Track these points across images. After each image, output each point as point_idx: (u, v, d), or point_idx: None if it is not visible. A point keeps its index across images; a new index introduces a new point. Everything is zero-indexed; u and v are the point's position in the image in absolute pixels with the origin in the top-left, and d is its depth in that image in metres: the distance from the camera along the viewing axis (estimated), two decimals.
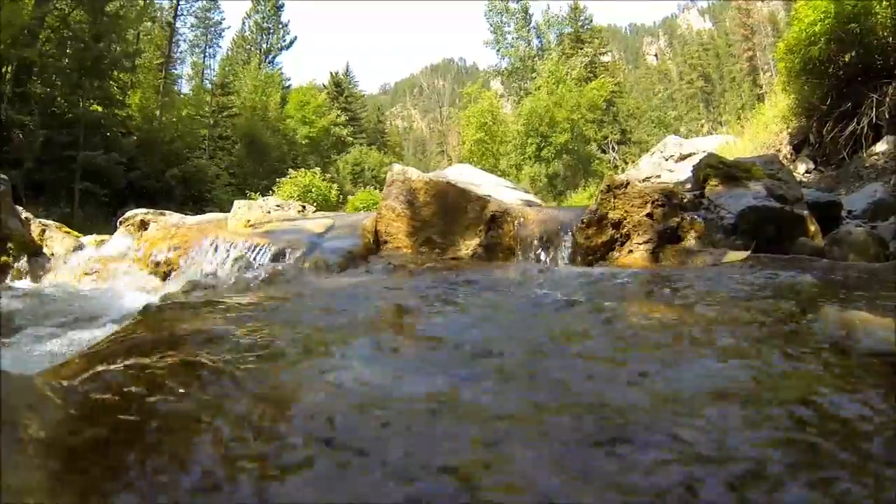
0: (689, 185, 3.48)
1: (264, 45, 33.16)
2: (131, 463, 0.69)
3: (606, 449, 0.67)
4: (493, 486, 0.60)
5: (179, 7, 26.78)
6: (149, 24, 23.23)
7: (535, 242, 3.03)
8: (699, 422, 0.75)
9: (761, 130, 10.16)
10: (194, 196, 17.14)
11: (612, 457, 0.65)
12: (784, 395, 0.84)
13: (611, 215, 2.80)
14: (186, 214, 5.33)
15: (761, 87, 38.34)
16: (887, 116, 7.35)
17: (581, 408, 0.82)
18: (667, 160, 12.15)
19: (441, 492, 0.59)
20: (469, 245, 3.17)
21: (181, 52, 29.50)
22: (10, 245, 3.94)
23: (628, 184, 2.86)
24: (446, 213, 3.29)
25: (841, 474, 0.62)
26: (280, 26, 33.66)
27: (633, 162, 17.37)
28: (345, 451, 0.69)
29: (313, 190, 15.52)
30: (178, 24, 26.98)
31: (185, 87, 28.25)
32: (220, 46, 32.16)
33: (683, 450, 0.67)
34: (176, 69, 27.63)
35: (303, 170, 16.92)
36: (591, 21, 32.46)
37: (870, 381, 0.89)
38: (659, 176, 11.01)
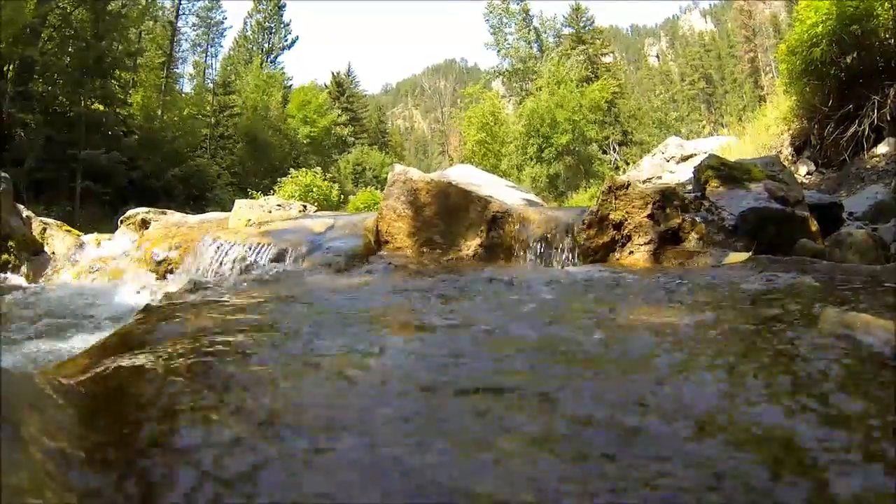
0: (690, 187, 3.48)
1: (266, 45, 33.13)
2: (132, 460, 0.69)
3: None
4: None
5: (181, 6, 26.80)
6: (150, 23, 23.26)
7: (536, 243, 3.02)
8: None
9: (762, 132, 10.13)
10: (195, 195, 17.15)
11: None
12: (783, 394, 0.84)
13: (612, 216, 2.79)
14: (187, 213, 5.34)
15: (763, 89, 38.29)
16: (888, 118, 7.33)
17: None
18: (668, 161, 12.15)
19: None
20: (470, 245, 3.16)
21: (183, 52, 29.44)
22: (11, 243, 3.94)
23: (629, 185, 2.86)
24: (448, 213, 3.28)
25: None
26: (282, 26, 33.64)
27: (635, 163, 17.36)
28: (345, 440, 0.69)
29: (314, 190, 15.52)
30: (179, 24, 26.97)
31: (187, 87, 28.26)
32: (221, 46, 32.14)
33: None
34: (178, 68, 27.63)
35: (304, 169, 16.93)
36: (593, 22, 32.48)
37: (871, 383, 0.88)
38: (660, 177, 11.02)
